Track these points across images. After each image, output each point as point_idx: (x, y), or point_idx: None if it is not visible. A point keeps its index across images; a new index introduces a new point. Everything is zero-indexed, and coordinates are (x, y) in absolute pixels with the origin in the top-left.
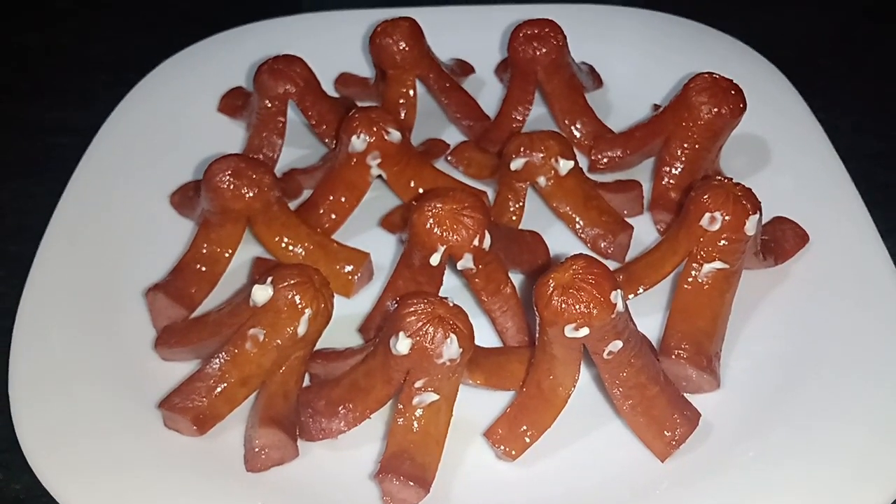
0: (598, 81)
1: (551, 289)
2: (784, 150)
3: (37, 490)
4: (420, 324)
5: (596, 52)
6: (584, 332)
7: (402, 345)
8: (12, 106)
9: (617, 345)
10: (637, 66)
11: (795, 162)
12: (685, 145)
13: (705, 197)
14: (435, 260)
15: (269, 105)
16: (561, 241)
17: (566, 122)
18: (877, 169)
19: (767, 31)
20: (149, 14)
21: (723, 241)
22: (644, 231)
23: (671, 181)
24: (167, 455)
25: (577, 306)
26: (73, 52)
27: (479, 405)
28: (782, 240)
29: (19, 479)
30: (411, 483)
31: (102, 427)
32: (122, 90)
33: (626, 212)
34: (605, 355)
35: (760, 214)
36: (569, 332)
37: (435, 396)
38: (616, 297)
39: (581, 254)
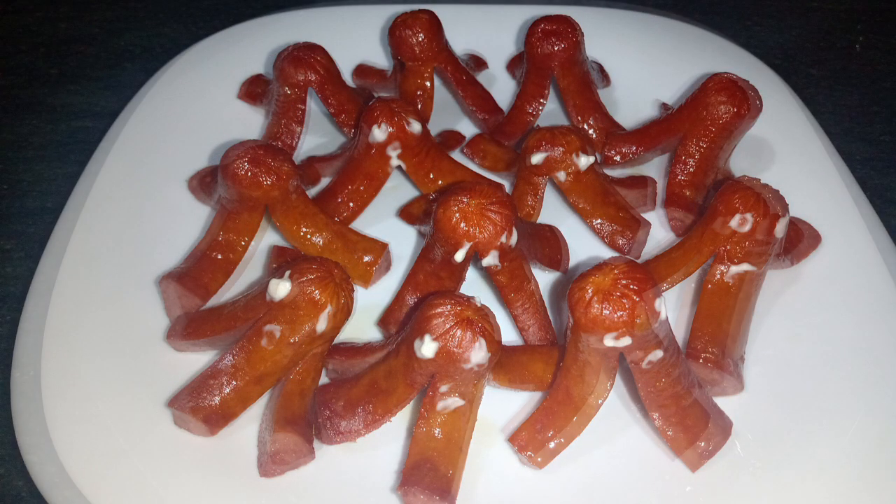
0: (606, 80)
1: (590, 293)
2: (788, 153)
3: None
4: (447, 326)
5: (599, 53)
6: (626, 341)
7: (428, 348)
8: (40, 91)
9: (657, 354)
10: (641, 67)
11: (800, 163)
12: (702, 143)
13: (736, 197)
14: (459, 256)
15: (290, 92)
16: (573, 235)
17: (579, 118)
18: (871, 173)
19: (754, 41)
20: (175, 6)
21: (752, 243)
22: (655, 227)
23: (685, 178)
24: (175, 455)
25: (621, 314)
26: (101, 41)
27: (497, 404)
28: (796, 240)
29: (22, 475)
30: (436, 497)
31: (108, 423)
32: (147, 78)
33: (636, 208)
34: (643, 364)
35: (788, 216)
36: (608, 341)
37: (460, 402)
38: (660, 304)
39: (620, 256)
